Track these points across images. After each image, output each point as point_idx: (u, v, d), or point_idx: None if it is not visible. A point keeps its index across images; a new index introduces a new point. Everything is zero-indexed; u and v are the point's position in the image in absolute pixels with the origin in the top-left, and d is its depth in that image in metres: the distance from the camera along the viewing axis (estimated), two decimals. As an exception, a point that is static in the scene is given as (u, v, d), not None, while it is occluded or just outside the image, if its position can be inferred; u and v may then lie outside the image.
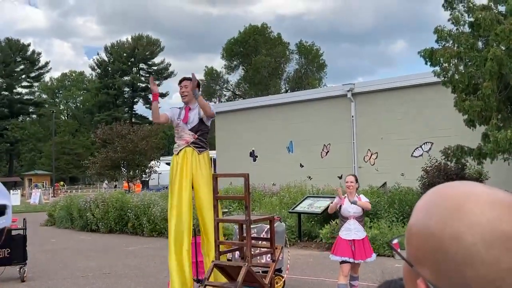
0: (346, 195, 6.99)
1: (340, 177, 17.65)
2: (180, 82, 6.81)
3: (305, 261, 10.69)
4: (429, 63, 12.19)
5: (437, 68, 12.26)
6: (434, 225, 0.78)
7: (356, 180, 7.10)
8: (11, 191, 33.25)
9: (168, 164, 48.72)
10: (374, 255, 7.09)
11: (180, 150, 6.59)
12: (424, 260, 0.79)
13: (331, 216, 12.70)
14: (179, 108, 6.87)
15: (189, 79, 6.67)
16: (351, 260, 6.72)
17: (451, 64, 12.05)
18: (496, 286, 0.73)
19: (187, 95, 6.67)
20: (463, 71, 11.87)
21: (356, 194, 7.00)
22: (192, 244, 7.93)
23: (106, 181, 43.06)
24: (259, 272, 6.57)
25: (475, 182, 0.85)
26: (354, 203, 6.79)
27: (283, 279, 8.12)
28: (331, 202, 7.49)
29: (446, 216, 0.78)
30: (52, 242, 15.17)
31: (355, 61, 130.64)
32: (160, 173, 41.64)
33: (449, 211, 0.78)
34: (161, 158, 40.70)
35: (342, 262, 6.74)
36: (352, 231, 6.79)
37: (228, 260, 6.84)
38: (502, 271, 0.73)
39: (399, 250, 0.92)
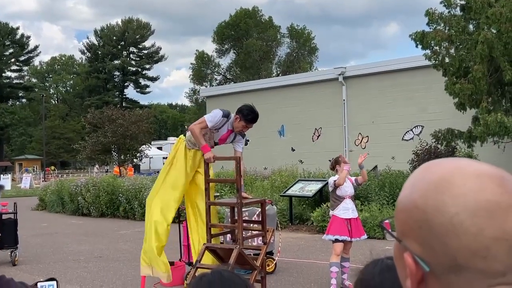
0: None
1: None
2: (251, 120, 6.44)
3: (296, 244, 10.75)
4: (420, 46, 12.20)
5: (428, 51, 12.26)
6: (418, 198, 0.78)
7: None
8: (2, 175, 33.06)
9: (159, 148, 48.67)
10: (365, 234, 7.22)
11: (195, 148, 6.60)
12: (410, 233, 0.79)
13: (322, 199, 12.78)
14: (226, 119, 6.46)
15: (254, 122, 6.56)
16: (348, 238, 6.78)
17: (442, 47, 12.06)
18: (481, 256, 0.72)
19: (242, 133, 6.64)
20: (454, 54, 11.89)
21: (348, 175, 7.11)
22: (184, 227, 7.97)
23: (97, 166, 42.92)
24: (250, 254, 6.60)
25: (462, 158, 0.84)
26: (361, 167, 7.17)
27: (275, 261, 8.19)
28: (334, 181, 7.05)
29: (430, 189, 0.78)
30: (43, 226, 15.16)
31: (346, 44, 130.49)
32: (152, 158, 41.48)
33: (433, 185, 0.78)
34: (152, 143, 40.49)
35: (335, 241, 6.80)
36: (349, 210, 6.89)
37: (220, 243, 6.86)
38: (486, 240, 0.72)
39: (390, 230, 0.92)
